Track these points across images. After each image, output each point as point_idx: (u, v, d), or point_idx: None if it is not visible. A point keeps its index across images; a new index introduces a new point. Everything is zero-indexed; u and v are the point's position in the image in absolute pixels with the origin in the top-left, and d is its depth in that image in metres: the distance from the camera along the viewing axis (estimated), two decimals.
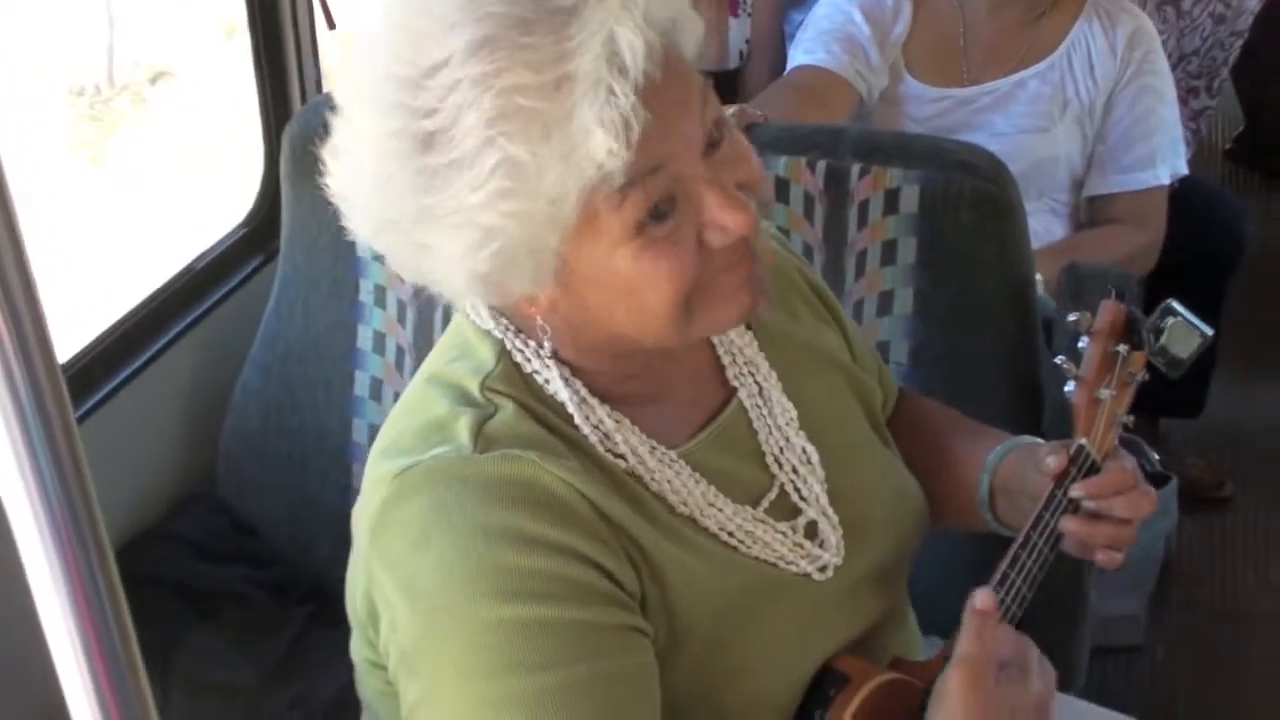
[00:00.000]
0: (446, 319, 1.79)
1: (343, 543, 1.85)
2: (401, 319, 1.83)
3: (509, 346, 1.10)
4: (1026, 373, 1.64)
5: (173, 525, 1.86)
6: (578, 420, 1.09)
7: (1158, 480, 1.31)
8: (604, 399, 1.11)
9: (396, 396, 1.83)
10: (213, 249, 2.04)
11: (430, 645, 1.02)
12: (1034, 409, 1.64)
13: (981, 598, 1.12)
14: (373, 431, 1.87)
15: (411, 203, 0.96)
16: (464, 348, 1.12)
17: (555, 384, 1.09)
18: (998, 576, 1.20)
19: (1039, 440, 1.32)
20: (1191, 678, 2.49)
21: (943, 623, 1.49)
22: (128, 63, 5.53)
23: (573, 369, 1.10)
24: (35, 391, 0.58)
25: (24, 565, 0.61)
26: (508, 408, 1.07)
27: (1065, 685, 1.60)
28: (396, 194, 0.97)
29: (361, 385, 1.86)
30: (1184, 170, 2.28)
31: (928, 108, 2.20)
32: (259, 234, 2.07)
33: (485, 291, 1.02)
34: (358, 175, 1.00)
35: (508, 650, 0.99)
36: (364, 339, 1.86)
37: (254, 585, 1.83)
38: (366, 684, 1.17)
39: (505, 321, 1.11)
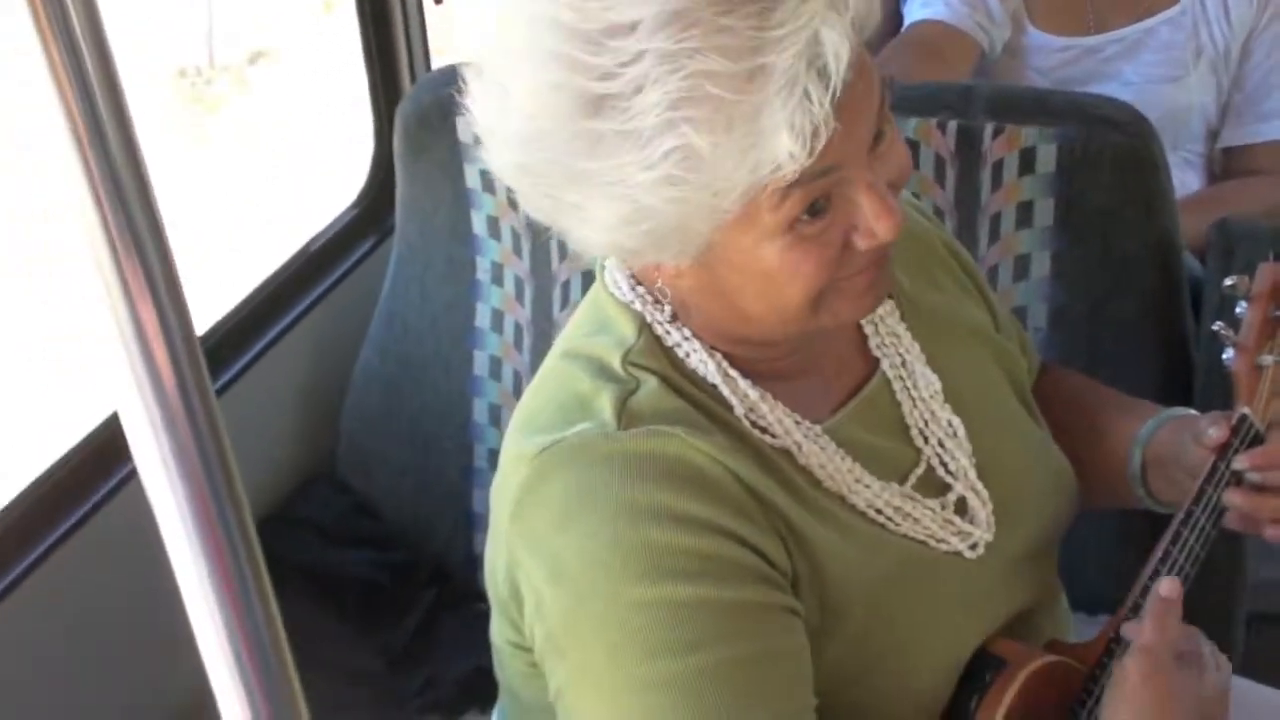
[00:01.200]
0: (566, 297, 1.79)
1: (466, 523, 1.87)
2: (519, 296, 1.80)
3: (650, 319, 1.07)
4: (1174, 336, 1.58)
5: (296, 508, 1.85)
6: (724, 392, 1.06)
7: None
8: (744, 373, 1.07)
9: (516, 375, 1.82)
10: (326, 230, 2.03)
11: (578, 627, 1.00)
12: (1183, 374, 1.57)
13: (1167, 585, 1.09)
14: (493, 410, 1.86)
15: (567, 161, 0.92)
16: (603, 322, 1.09)
17: (699, 355, 1.06)
18: (1159, 554, 1.16)
19: (1192, 412, 1.27)
20: None
21: (1089, 599, 1.44)
22: (227, 43, 5.59)
23: (711, 344, 1.07)
24: (177, 369, 0.57)
25: (167, 547, 0.60)
26: (651, 382, 1.04)
27: None
28: (550, 148, 0.92)
29: (481, 364, 1.84)
30: None
31: (1053, 58, 2.12)
32: (372, 213, 2.06)
33: (620, 255, 1.00)
34: (504, 111, 0.95)
35: (657, 632, 0.97)
36: (482, 317, 1.83)
37: (378, 568, 1.82)
38: (509, 666, 1.16)
39: (644, 291, 1.07)
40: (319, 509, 1.86)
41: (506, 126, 0.95)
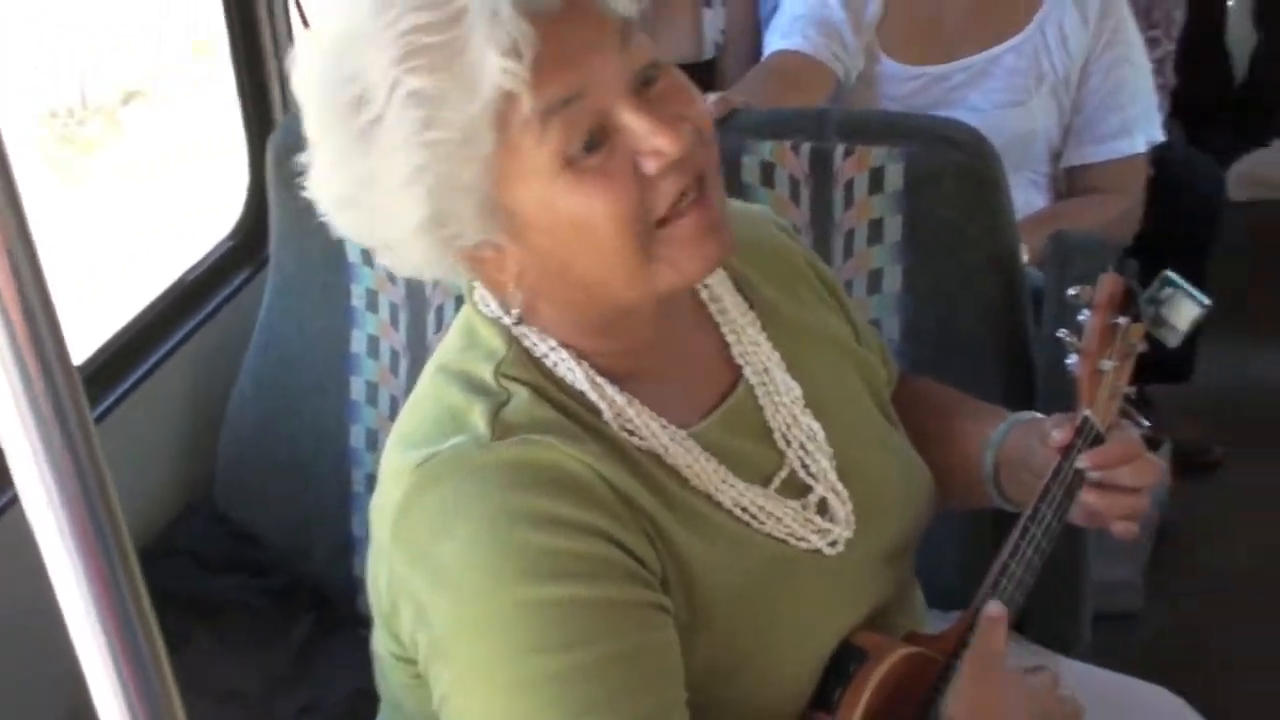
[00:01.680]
0: (440, 321, 1.83)
1: (345, 547, 1.89)
2: (395, 322, 1.84)
3: (517, 332, 1.12)
4: (1016, 343, 1.66)
5: (172, 538, 1.86)
6: (592, 398, 1.11)
7: (1149, 444, 1.33)
8: (611, 379, 1.12)
9: (393, 399, 1.85)
10: (201, 262, 2.04)
11: (461, 631, 1.04)
12: (1025, 379, 1.66)
13: (994, 608, 1.21)
14: (370, 435, 1.89)
15: (356, 168, 1.01)
16: (473, 337, 1.14)
17: (567, 364, 1.11)
18: (1009, 549, 1.22)
19: (1039, 415, 1.34)
20: (1187, 641, 2.52)
21: (944, 596, 1.51)
22: (99, 84, 5.52)
23: (578, 352, 1.12)
24: (54, 394, 0.59)
25: (49, 569, 0.62)
26: (522, 394, 1.08)
27: (1068, 648, 1.63)
28: (344, 164, 1.02)
29: (357, 390, 1.86)
30: (1160, 137, 2.30)
31: (904, 86, 2.21)
32: (247, 244, 2.08)
33: (439, 248, 1.04)
34: (315, 156, 1.05)
35: (537, 630, 1.01)
36: (358, 343, 1.86)
37: (256, 593, 1.84)
38: (391, 677, 1.18)
39: (518, 310, 1.12)
40: (197, 538, 1.87)
41: (320, 170, 1.06)
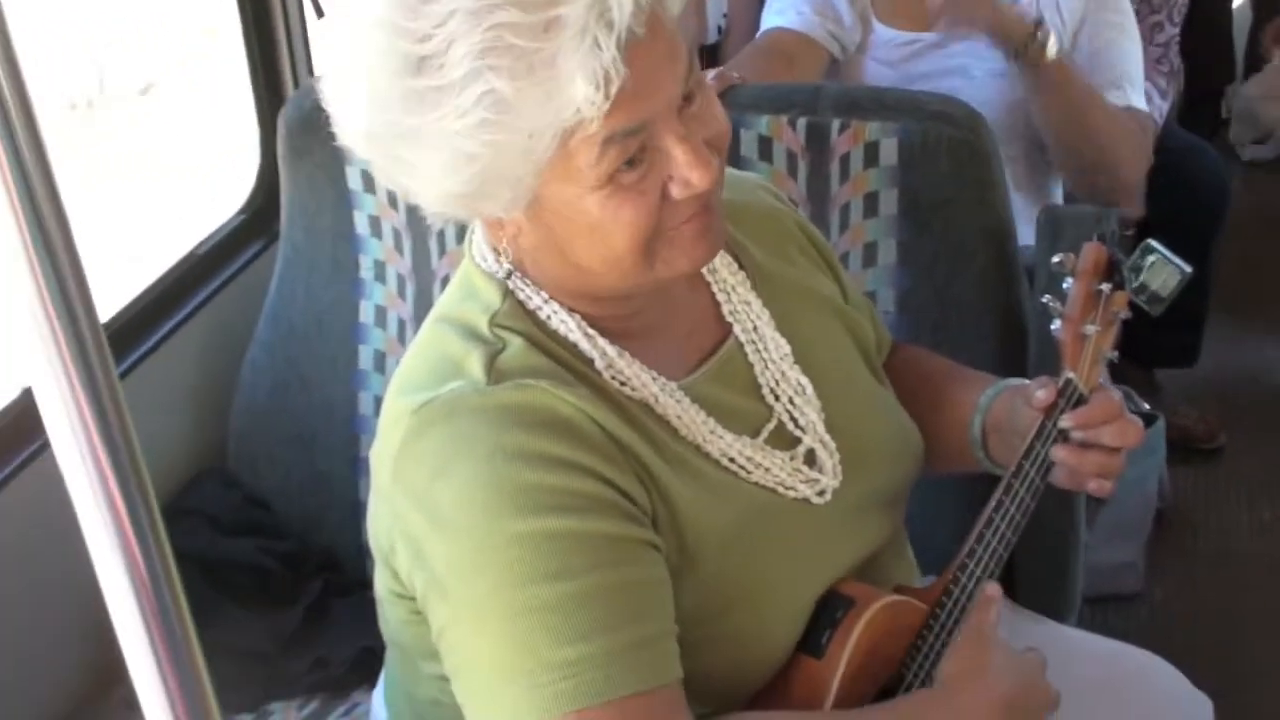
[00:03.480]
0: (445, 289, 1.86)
1: (353, 514, 1.93)
2: (402, 293, 1.88)
3: (513, 285, 1.16)
4: (1010, 313, 1.69)
5: (187, 500, 1.90)
6: (584, 348, 1.15)
7: (1145, 420, 1.36)
8: (603, 333, 1.16)
9: None
10: (214, 234, 2.09)
11: (459, 565, 1.08)
12: (1019, 348, 1.69)
13: (991, 587, 1.26)
14: (378, 404, 1.89)
15: (398, 120, 1.01)
16: (470, 289, 1.18)
17: (560, 316, 1.15)
18: (993, 504, 1.26)
19: (1026, 381, 1.37)
20: (1189, 621, 2.54)
21: (938, 562, 1.54)
22: (117, 75, 5.58)
23: (570, 306, 1.16)
24: (81, 351, 0.63)
25: (78, 517, 0.65)
26: (516, 342, 1.13)
27: (1061, 614, 1.66)
28: (384, 109, 1.02)
29: (366, 359, 1.91)
30: (1144, 107, 2.27)
31: (898, 51, 2.20)
32: (259, 218, 2.12)
33: (456, 209, 1.07)
34: (348, 84, 1.05)
35: (531, 561, 1.05)
36: (366, 314, 1.90)
37: (269, 556, 1.88)
38: (391, 615, 1.22)
39: (508, 265, 1.16)
40: (210, 501, 1.92)
41: (350, 97, 1.05)
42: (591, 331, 1.16)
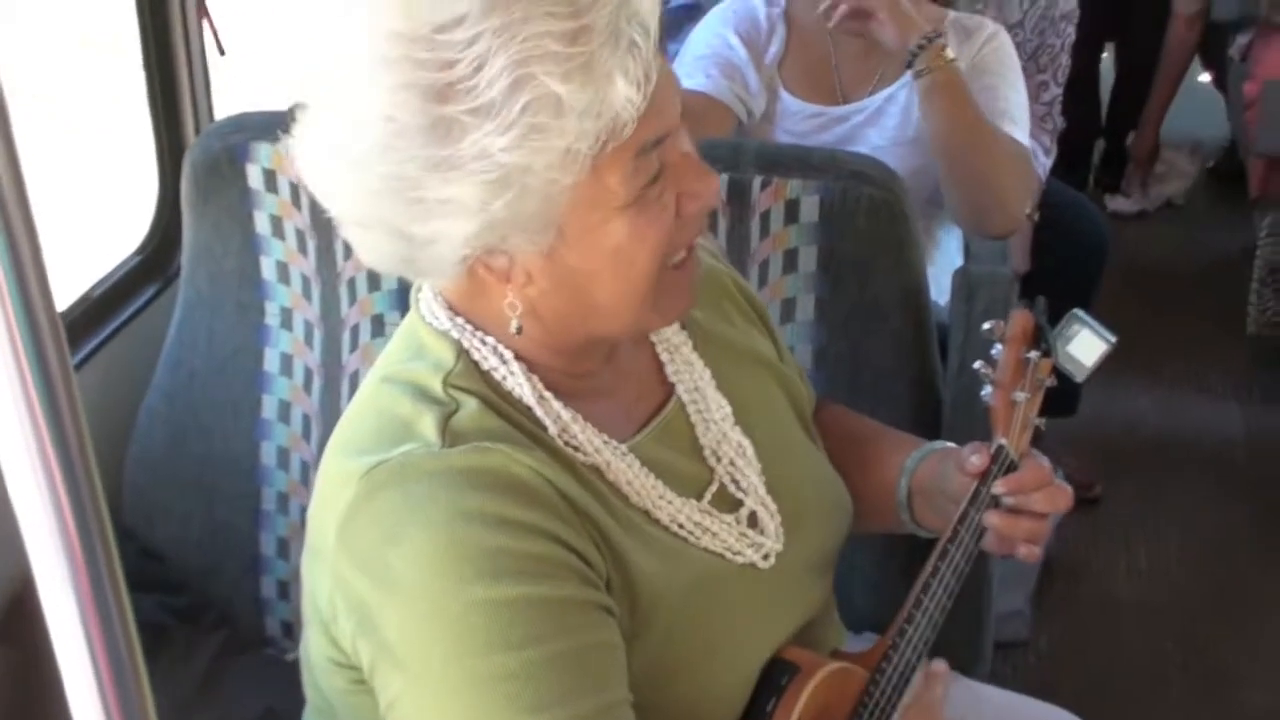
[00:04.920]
0: (355, 341, 1.83)
1: (254, 567, 1.88)
2: (309, 340, 1.84)
3: (467, 345, 1.14)
4: (923, 373, 1.72)
5: None
6: (538, 413, 1.13)
7: None
8: (556, 395, 1.15)
9: (305, 418, 1.85)
10: (109, 276, 2.02)
11: (415, 633, 1.05)
12: (932, 408, 1.71)
13: (939, 664, 1.30)
14: (281, 454, 1.88)
15: (428, 153, 0.99)
16: (419, 349, 1.15)
17: (515, 379, 1.13)
18: (929, 569, 1.27)
19: (951, 445, 1.39)
20: (1074, 665, 2.60)
21: (855, 619, 1.55)
22: None
23: (529, 365, 1.14)
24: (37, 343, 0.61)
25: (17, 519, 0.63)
26: (471, 404, 1.10)
27: (970, 670, 1.68)
28: (409, 145, 0.99)
29: (269, 408, 1.86)
30: (1034, 147, 2.30)
31: (805, 123, 2.25)
32: (157, 260, 2.06)
33: (463, 249, 1.04)
34: (355, 127, 1.01)
35: (493, 629, 1.02)
36: (270, 362, 1.86)
37: (165, 612, 1.82)
38: (327, 683, 1.18)
39: (462, 321, 1.14)
40: None
41: (359, 144, 1.01)
42: (546, 394, 1.15)
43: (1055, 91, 2.80)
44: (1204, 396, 3.44)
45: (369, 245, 1.09)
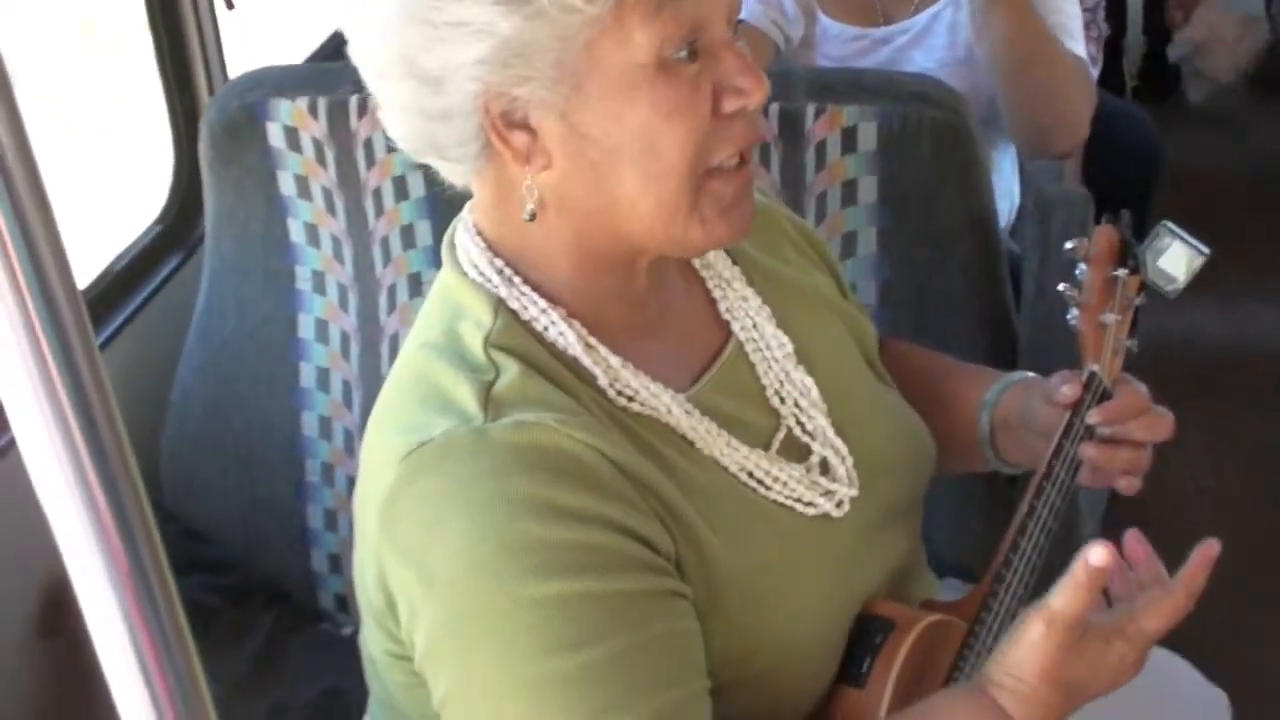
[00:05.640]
0: (392, 302, 1.75)
1: (301, 541, 1.81)
2: (344, 304, 1.76)
3: (505, 295, 1.05)
4: (995, 303, 1.63)
5: None
6: (585, 363, 1.05)
7: None
8: (603, 341, 1.06)
9: (345, 384, 1.77)
10: (130, 248, 1.95)
11: (460, 631, 0.97)
12: (1007, 339, 1.63)
13: (1100, 555, 0.98)
14: (323, 423, 1.81)
15: None
16: (457, 307, 1.07)
17: (558, 327, 1.05)
18: (1025, 508, 1.19)
19: (1031, 375, 1.31)
20: None
21: (942, 564, 1.47)
22: None
23: (568, 309, 1.06)
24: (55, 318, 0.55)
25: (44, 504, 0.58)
26: (512, 369, 1.02)
27: None
28: None
29: (307, 376, 1.78)
30: (1084, 55, 2.20)
31: (846, 47, 2.16)
32: (178, 228, 1.99)
33: (479, 99, 0.97)
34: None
35: (546, 629, 0.94)
36: (305, 328, 1.78)
37: (213, 593, 1.75)
38: (386, 676, 1.11)
39: (501, 263, 1.06)
40: None
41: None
42: (593, 341, 1.06)
43: None
44: (1264, 305, 3.33)
45: (390, 100, 1.02)
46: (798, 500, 1.12)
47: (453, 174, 1.07)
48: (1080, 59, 2.04)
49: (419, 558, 0.97)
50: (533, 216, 1.02)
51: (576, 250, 1.05)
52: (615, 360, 1.06)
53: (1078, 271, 1.26)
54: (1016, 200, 2.27)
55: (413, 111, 1.01)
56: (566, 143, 0.99)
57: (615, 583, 0.96)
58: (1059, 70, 1.96)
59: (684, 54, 0.97)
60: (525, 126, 0.99)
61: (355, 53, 1.03)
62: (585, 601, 0.95)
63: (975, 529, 1.51)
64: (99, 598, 0.59)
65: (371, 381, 1.75)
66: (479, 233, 1.08)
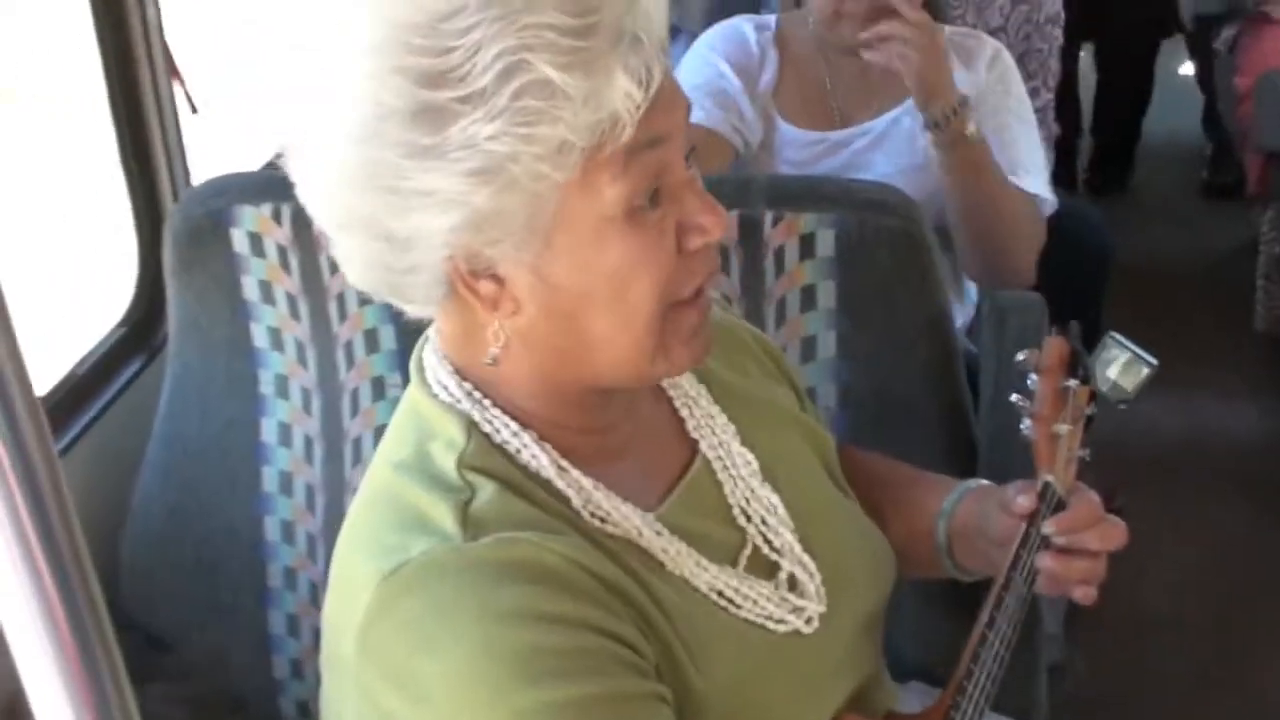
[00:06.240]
0: (354, 405, 1.75)
1: (263, 648, 1.79)
2: (307, 408, 1.76)
3: (477, 418, 1.06)
4: (954, 406, 1.64)
5: None
6: (559, 485, 1.05)
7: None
8: (574, 462, 1.07)
9: (309, 488, 1.77)
10: (93, 351, 1.94)
11: None
12: (966, 443, 1.64)
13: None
14: (286, 528, 1.80)
15: (406, 142, 0.93)
16: (427, 429, 1.07)
17: (531, 450, 1.06)
18: (985, 619, 1.20)
19: (986, 483, 1.33)
20: (1110, 685, 2.54)
21: (906, 667, 1.48)
22: None
23: (538, 433, 1.06)
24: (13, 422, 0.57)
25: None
26: (488, 488, 1.02)
27: (1028, 716, 1.61)
28: (388, 135, 0.93)
29: (270, 480, 1.78)
30: (1049, 197, 2.24)
31: (805, 151, 2.19)
32: (141, 332, 1.98)
33: (445, 258, 0.98)
34: (329, 132, 0.96)
35: None
36: (268, 432, 1.78)
37: (173, 704, 1.73)
38: None
39: (470, 387, 1.07)
40: None
41: (343, 128, 0.95)
42: (564, 463, 1.07)
43: (1047, 98, 2.74)
44: (1217, 398, 3.38)
45: (351, 253, 1.02)
46: (768, 618, 1.13)
47: (416, 311, 1.07)
48: (1033, 203, 2.08)
49: (410, 678, 0.97)
50: (495, 361, 1.04)
51: (544, 383, 1.06)
52: (587, 482, 1.07)
53: (1029, 382, 1.28)
54: (975, 298, 2.30)
55: (377, 266, 1.01)
56: (535, 291, 1.00)
57: (607, 686, 0.97)
58: (1010, 220, 2.01)
59: (648, 201, 0.99)
60: (493, 276, 1.00)
61: (310, 203, 1.02)
62: (579, 706, 0.96)
63: (938, 630, 1.51)
64: (55, 711, 0.60)
65: (335, 485, 1.75)
66: (445, 356, 1.09)
